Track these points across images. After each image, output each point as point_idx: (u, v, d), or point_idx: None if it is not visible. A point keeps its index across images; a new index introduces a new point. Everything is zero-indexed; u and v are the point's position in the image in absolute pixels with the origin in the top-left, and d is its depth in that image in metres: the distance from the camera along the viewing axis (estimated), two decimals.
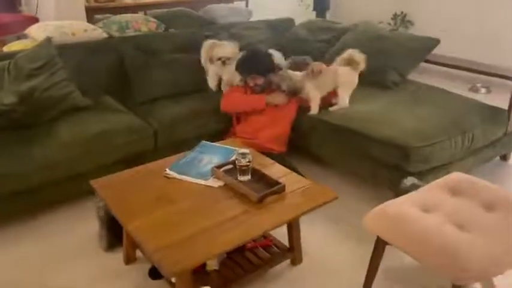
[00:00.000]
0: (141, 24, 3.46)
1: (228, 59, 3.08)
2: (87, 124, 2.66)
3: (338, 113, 2.81)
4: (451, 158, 2.55)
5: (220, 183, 2.02)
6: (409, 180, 2.27)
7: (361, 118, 2.68)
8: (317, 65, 2.89)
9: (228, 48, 3.13)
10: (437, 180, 1.92)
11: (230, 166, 2.13)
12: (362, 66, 2.91)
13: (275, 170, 2.14)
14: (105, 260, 2.21)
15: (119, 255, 2.20)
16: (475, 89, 4.56)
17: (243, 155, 2.01)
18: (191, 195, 1.95)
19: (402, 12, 5.00)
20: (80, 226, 2.45)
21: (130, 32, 3.43)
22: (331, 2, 5.44)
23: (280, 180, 1.97)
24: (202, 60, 3.21)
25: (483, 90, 4.56)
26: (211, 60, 3.15)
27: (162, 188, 2.00)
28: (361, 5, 4.14)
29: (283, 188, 1.94)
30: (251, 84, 2.89)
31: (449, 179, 1.91)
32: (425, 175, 2.47)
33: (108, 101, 3.02)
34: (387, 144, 2.46)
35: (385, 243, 1.70)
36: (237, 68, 2.95)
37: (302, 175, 2.25)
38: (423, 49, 3.22)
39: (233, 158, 2.19)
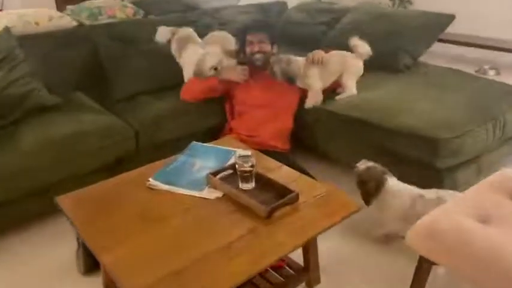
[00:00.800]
0: (116, 10, 3.04)
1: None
2: (56, 126, 2.25)
3: (346, 102, 2.44)
4: (483, 149, 2.20)
5: (218, 193, 1.64)
6: (363, 163, 2.00)
7: (374, 107, 2.32)
8: (317, 54, 2.50)
9: (218, 50, 2.67)
10: (484, 181, 1.57)
11: (229, 171, 1.75)
12: (366, 54, 2.55)
13: (283, 174, 1.77)
14: (83, 285, 1.84)
15: (99, 280, 1.81)
16: (482, 72, 4.22)
17: (245, 158, 1.63)
18: (182, 211, 1.57)
19: None
20: (56, 246, 2.07)
21: (103, 19, 3.01)
22: None
23: (292, 188, 1.59)
24: (189, 73, 2.66)
25: (492, 72, 4.22)
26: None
27: (145, 204, 1.62)
28: None
29: (296, 198, 1.57)
30: (256, 49, 2.55)
31: (499, 178, 1.56)
32: (455, 171, 2.13)
33: (81, 99, 2.61)
34: (410, 137, 2.10)
35: (432, 262, 1.35)
36: (242, 32, 2.66)
37: (313, 177, 1.88)
38: (436, 27, 2.86)
39: (232, 161, 1.82)
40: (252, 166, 1.62)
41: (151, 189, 1.70)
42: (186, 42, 2.71)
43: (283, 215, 1.51)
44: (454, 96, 2.38)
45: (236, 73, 2.53)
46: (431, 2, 4.38)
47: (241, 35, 2.66)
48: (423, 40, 2.86)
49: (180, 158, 1.90)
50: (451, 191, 1.85)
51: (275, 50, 2.64)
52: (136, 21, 3.13)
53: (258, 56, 2.54)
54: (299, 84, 2.48)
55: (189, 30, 2.80)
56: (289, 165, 1.88)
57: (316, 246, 1.69)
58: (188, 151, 1.94)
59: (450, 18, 2.84)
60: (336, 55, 2.55)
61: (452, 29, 2.90)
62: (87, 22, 2.95)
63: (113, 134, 2.29)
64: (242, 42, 2.64)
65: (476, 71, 4.21)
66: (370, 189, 1.94)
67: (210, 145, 2.01)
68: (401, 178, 2.20)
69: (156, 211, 1.57)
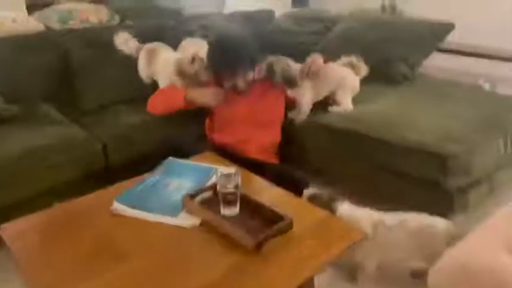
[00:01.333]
0: (89, 14, 2.77)
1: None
2: (12, 140, 1.98)
3: (342, 115, 2.20)
4: (494, 167, 1.98)
5: (196, 220, 1.37)
6: (308, 191, 1.68)
7: (374, 120, 2.08)
8: (315, 64, 2.21)
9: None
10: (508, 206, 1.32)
11: (209, 193, 1.48)
12: (363, 73, 2.34)
13: (273, 195, 1.51)
14: None
15: None
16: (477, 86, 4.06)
17: (227, 177, 1.36)
18: (151, 244, 1.28)
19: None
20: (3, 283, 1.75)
21: (75, 24, 2.74)
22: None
23: (284, 213, 1.32)
24: (165, 80, 2.31)
25: (487, 85, 4.06)
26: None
27: (105, 234, 1.33)
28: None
29: (289, 226, 1.30)
30: (242, 87, 2.11)
31: None
32: (466, 192, 1.89)
33: (44, 110, 2.33)
34: (415, 153, 1.86)
35: None
36: (217, 66, 2.11)
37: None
38: (436, 35, 2.66)
39: (213, 180, 1.55)
40: (236, 187, 1.35)
41: (115, 214, 1.41)
42: (156, 51, 2.40)
43: (275, 247, 1.24)
44: (459, 109, 2.16)
45: (208, 97, 2.13)
46: (424, 14, 4.22)
47: (216, 73, 2.14)
48: (421, 49, 2.65)
49: (152, 176, 1.62)
50: (413, 214, 1.63)
51: (258, 71, 2.20)
52: (111, 27, 2.87)
53: (243, 90, 2.13)
54: (289, 92, 2.23)
55: (157, 43, 2.47)
56: (279, 175, 1.62)
57: (313, 285, 1.41)
58: (162, 168, 1.67)
59: (450, 27, 2.65)
60: (333, 69, 2.30)
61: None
62: (56, 26, 2.68)
63: (76, 147, 2.01)
64: (217, 71, 2.13)
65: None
66: None
67: (188, 162, 1.73)
68: (404, 200, 1.96)
69: (118, 244, 1.28)
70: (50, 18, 2.69)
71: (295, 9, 3.63)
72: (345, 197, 1.66)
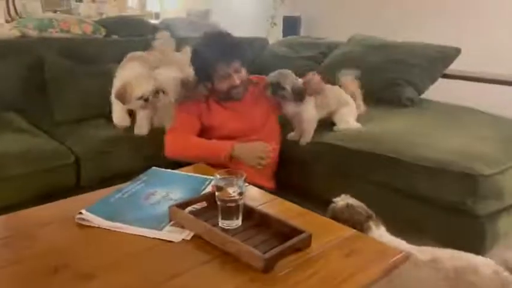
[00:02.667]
0: (71, 24, 2.55)
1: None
2: None
3: (351, 135, 1.96)
4: None
5: (186, 234, 1.07)
6: (342, 199, 1.40)
7: (389, 140, 1.85)
8: (315, 82, 1.99)
9: (171, 75, 2.00)
10: None
11: (202, 204, 1.19)
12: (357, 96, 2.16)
13: (283, 209, 1.22)
14: None
15: None
16: None
17: (228, 180, 1.08)
18: (127, 261, 0.98)
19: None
20: None
21: (55, 33, 2.51)
22: (302, 30, 4.79)
23: (300, 227, 1.04)
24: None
25: None
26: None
27: (68, 248, 1.02)
28: (337, 32, 3.50)
29: (308, 241, 1.02)
30: (236, 82, 1.84)
31: None
32: (496, 219, 1.64)
33: (10, 119, 2.05)
34: (439, 173, 1.62)
35: None
36: (202, 59, 1.85)
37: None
38: (442, 59, 2.51)
39: (208, 188, 1.27)
40: (240, 194, 1.07)
41: (82, 225, 1.10)
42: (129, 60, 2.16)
43: (290, 266, 0.95)
44: (478, 131, 1.96)
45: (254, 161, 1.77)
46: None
47: (205, 68, 1.86)
48: (428, 74, 2.49)
49: (132, 185, 1.32)
50: (451, 251, 1.30)
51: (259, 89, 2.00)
52: (94, 40, 2.65)
53: (237, 90, 1.89)
54: (290, 108, 1.99)
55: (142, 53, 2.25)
56: None
57: None
58: (144, 177, 1.37)
59: (456, 51, 2.52)
60: (333, 89, 2.11)
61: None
62: (33, 33, 2.44)
63: (43, 158, 1.71)
64: (207, 77, 1.89)
65: None
66: None
67: (177, 171, 1.45)
68: (424, 228, 1.70)
69: (83, 260, 0.97)
70: (28, 25, 2.45)
71: (289, 37, 3.49)
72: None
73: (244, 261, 0.95)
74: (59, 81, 2.24)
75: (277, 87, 1.92)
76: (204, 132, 1.91)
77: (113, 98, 2.00)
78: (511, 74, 2.64)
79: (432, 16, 3.82)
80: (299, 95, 1.93)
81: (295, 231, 1.02)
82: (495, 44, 3.44)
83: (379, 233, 1.30)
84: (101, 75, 2.30)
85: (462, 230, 1.60)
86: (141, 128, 2.01)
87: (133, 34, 2.83)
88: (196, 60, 1.90)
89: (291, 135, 2.07)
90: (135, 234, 1.07)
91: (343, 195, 1.41)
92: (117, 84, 1.99)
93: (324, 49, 2.96)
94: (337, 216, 1.35)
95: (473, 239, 1.57)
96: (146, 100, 1.89)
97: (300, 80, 1.99)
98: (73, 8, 5.66)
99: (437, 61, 2.52)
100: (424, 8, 3.90)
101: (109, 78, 2.23)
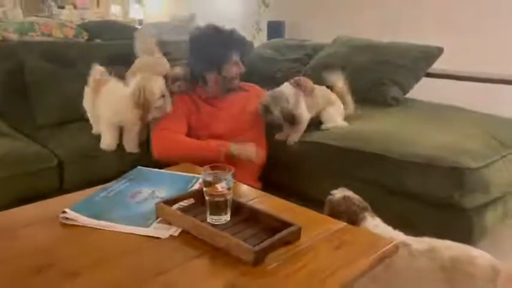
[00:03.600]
0: (52, 27, 2.52)
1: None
2: None
3: (339, 133, 1.96)
4: (508, 186, 1.76)
5: (173, 230, 1.04)
6: (340, 192, 1.41)
7: (376, 137, 1.85)
8: (306, 82, 2.03)
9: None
10: None
11: (190, 201, 1.17)
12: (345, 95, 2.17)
13: (272, 204, 1.21)
14: None
15: None
16: None
17: (217, 175, 1.06)
18: (112, 260, 0.95)
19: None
20: None
21: (35, 37, 2.47)
22: (286, 35, 4.82)
23: (289, 220, 1.03)
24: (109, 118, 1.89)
25: None
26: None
27: (51, 247, 0.99)
28: (321, 35, 3.52)
29: (297, 233, 1.00)
30: (240, 70, 1.92)
31: None
32: (483, 212, 1.65)
33: None
34: (426, 168, 1.63)
35: None
36: (211, 46, 1.88)
37: None
38: (426, 58, 2.54)
39: (195, 187, 1.25)
40: (228, 188, 1.06)
41: (67, 225, 1.07)
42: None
43: (280, 260, 0.94)
44: (463, 128, 1.98)
45: (252, 151, 1.84)
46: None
47: (218, 52, 1.90)
48: (412, 73, 2.51)
49: (117, 184, 1.29)
50: (448, 242, 1.29)
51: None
52: (76, 44, 2.61)
53: (236, 81, 1.98)
54: (287, 115, 1.99)
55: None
56: None
57: None
58: (129, 176, 1.35)
59: (439, 50, 2.55)
60: (321, 88, 2.12)
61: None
62: (13, 37, 2.39)
63: (25, 161, 1.67)
64: (214, 63, 1.92)
65: None
66: None
67: (162, 171, 1.43)
68: (413, 223, 1.70)
69: (67, 259, 0.94)
70: (8, 29, 2.41)
71: (274, 40, 3.50)
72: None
73: (234, 255, 0.93)
74: (40, 84, 2.20)
75: (266, 110, 1.93)
76: (190, 131, 1.89)
77: (105, 120, 1.87)
78: (493, 72, 2.68)
79: (413, 16, 3.89)
80: (289, 119, 1.94)
81: (284, 225, 1.01)
82: (477, 43, 3.51)
83: (375, 223, 1.30)
84: (83, 79, 2.26)
85: (450, 224, 1.61)
86: (134, 146, 1.92)
87: (116, 38, 2.80)
88: (202, 48, 1.91)
89: (279, 135, 2.06)
90: (121, 232, 1.04)
91: (340, 188, 1.41)
92: (114, 104, 1.85)
93: (309, 51, 2.97)
94: (334, 208, 1.35)
95: (461, 232, 1.57)
96: (163, 96, 1.81)
97: (289, 88, 2.00)
98: (55, 15, 5.59)
99: (421, 60, 2.54)
100: (404, 8, 3.96)
101: None
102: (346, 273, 0.91)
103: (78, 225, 1.07)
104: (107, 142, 1.87)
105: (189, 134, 1.87)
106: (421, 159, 1.65)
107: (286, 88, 2.00)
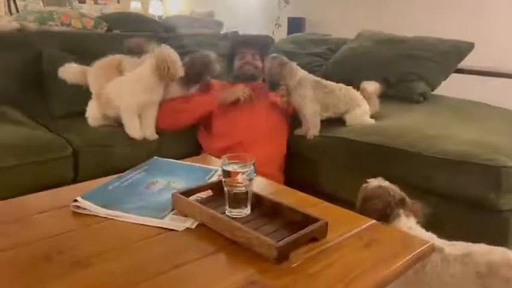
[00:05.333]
0: (72, 18, 2.48)
1: None
2: None
3: (364, 129, 1.87)
4: None
5: (190, 222, 0.98)
6: (377, 181, 1.32)
7: (404, 134, 1.75)
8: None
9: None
10: None
11: (208, 193, 1.10)
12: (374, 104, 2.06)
13: (295, 198, 1.13)
14: None
15: None
16: None
17: (237, 165, 0.99)
18: (125, 251, 0.89)
19: None
20: None
21: (55, 27, 2.44)
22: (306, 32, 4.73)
23: (315, 215, 0.95)
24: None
25: None
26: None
27: (61, 236, 0.93)
28: (342, 32, 3.42)
29: (324, 229, 0.92)
30: (248, 58, 2.20)
31: None
32: None
33: (7, 112, 1.95)
34: (459, 166, 1.53)
35: None
36: (234, 45, 2.34)
37: None
38: (456, 54, 2.43)
39: (213, 179, 1.18)
40: (250, 179, 0.98)
41: (78, 214, 1.01)
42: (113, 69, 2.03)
43: (305, 257, 0.86)
44: (496, 126, 1.88)
45: (240, 92, 2.00)
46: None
47: (232, 47, 2.31)
48: (441, 68, 2.40)
49: (132, 173, 1.23)
50: (486, 246, 1.19)
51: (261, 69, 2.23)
52: (95, 34, 2.58)
53: (247, 67, 2.16)
54: (292, 100, 1.93)
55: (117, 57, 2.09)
56: None
57: None
58: (145, 166, 1.29)
59: (470, 45, 2.43)
60: (342, 89, 2.01)
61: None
62: (33, 26, 2.37)
63: (38, 150, 1.62)
64: (231, 56, 2.27)
65: None
66: (371, 212, 1.22)
67: (180, 161, 1.36)
68: (443, 225, 1.60)
69: (77, 248, 0.88)
70: (27, 18, 2.38)
71: (295, 34, 3.42)
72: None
73: (255, 250, 0.86)
74: (55, 74, 2.16)
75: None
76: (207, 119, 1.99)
77: (129, 107, 1.85)
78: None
79: (436, 10, 3.76)
80: (270, 82, 1.99)
81: (309, 220, 0.93)
82: (508, 39, 3.36)
83: (409, 224, 1.21)
84: None
85: (484, 226, 1.50)
86: (153, 131, 1.92)
87: (135, 29, 2.76)
88: (229, 45, 2.36)
89: (298, 131, 1.99)
90: (134, 223, 0.98)
91: (379, 178, 1.32)
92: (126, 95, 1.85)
93: (331, 45, 2.88)
94: (367, 196, 1.27)
95: (497, 235, 1.47)
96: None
97: (301, 71, 1.98)
98: (75, 9, 5.61)
99: (451, 56, 2.43)
100: (425, 4, 3.84)
101: None
102: (377, 275, 0.82)
103: (90, 214, 1.01)
104: (137, 130, 1.87)
105: (208, 125, 1.87)
106: (451, 156, 1.55)
107: (295, 69, 1.97)
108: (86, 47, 2.38)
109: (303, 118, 1.96)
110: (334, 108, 1.96)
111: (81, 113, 2.04)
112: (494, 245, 1.22)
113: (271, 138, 1.88)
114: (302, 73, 1.97)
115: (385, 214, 1.22)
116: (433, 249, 0.92)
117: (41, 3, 5.01)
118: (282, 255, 0.83)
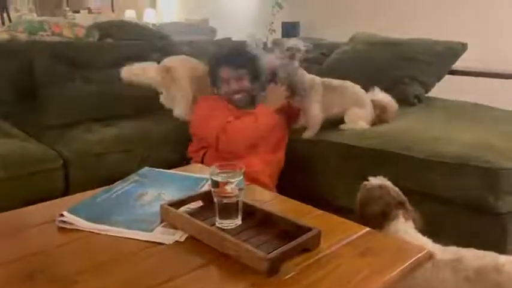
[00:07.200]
0: (63, 27, 2.46)
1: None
2: None
3: (358, 133, 1.84)
4: None
5: (179, 235, 0.95)
6: (377, 179, 1.31)
7: (400, 137, 1.73)
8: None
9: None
10: None
11: (198, 203, 1.07)
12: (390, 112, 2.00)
13: (289, 208, 1.10)
14: None
15: None
16: None
17: (227, 174, 0.97)
18: (112, 267, 0.86)
19: None
20: None
21: (46, 37, 2.42)
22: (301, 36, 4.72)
23: (307, 224, 0.92)
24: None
25: None
26: None
27: (46, 252, 0.90)
28: (337, 37, 3.41)
29: (317, 239, 0.90)
30: (234, 87, 1.86)
31: None
32: None
33: None
34: (457, 169, 1.50)
35: None
36: (213, 65, 1.94)
37: None
38: (449, 55, 2.41)
39: (204, 188, 1.15)
40: (240, 189, 0.96)
41: (64, 229, 0.99)
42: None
43: (297, 269, 0.83)
44: (491, 126, 1.85)
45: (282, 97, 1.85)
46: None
47: (212, 68, 1.95)
48: (434, 70, 2.38)
49: (122, 185, 1.20)
50: (476, 251, 1.17)
51: (259, 86, 1.94)
52: (88, 44, 2.55)
53: (237, 96, 1.89)
54: (296, 102, 1.90)
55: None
56: None
57: None
58: (135, 177, 1.26)
59: (463, 46, 2.41)
60: (351, 87, 1.98)
61: None
62: (23, 37, 2.35)
63: (28, 161, 1.60)
64: (214, 78, 1.95)
65: None
66: (370, 215, 1.22)
67: (170, 171, 1.33)
68: (440, 229, 1.57)
69: (63, 265, 0.85)
70: (18, 28, 2.36)
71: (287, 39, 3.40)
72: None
73: (245, 263, 0.83)
74: (49, 85, 2.13)
75: (272, 76, 1.89)
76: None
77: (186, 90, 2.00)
78: None
79: (428, 13, 3.75)
80: (292, 90, 1.87)
81: (302, 230, 0.91)
82: (499, 38, 3.35)
83: (405, 227, 1.18)
84: (94, 80, 2.22)
85: (482, 229, 1.48)
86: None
87: (128, 38, 2.73)
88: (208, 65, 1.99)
89: (295, 124, 1.97)
90: (122, 237, 0.95)
91: (379, 177, 1.30)
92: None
93: (324, 50, 2.86)
94: (368, 195, 1.26)
95: (495, 238, 1.45)
96: None
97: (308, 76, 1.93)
98: (68, 19, 5.60)
99: (444, 57, 2.41)
100: (419, 6, 3.83)
101: (104, 81, 2.17)
102: (373, 285, 0.79)
103: (76, 229, 0.98)
104: (182, 109, 2.00)
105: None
106: (448, 159, 1.53)
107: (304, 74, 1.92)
108: (77, 57, 2.35)
109: (306, 117, 1.93)
110: (336, 106, 1.92)
111: (72, 124, 2.02)
112: (492, 249, 1.20)
113: (275, 147, 1.84)
114: (309, 76, 1.94)
115: (384, 214, 1.20)
116: (430, 256, 0.89)
117: (35, 14, 4.99)
118: (273, 268, 0.80)
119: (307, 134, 1.90)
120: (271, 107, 1.82)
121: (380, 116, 1.97)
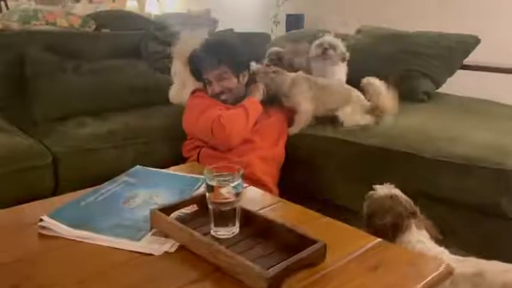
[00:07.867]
0: (57, 16, 2.37)
1: None
2: None
3: (360, 130, 1.75)
4: None
5: (169, 245, 0.86)
6: (385, 188, 1.21)
7: (407, 136, 1.63)
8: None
9: None
10: None
11: (192, 208, 0.98)
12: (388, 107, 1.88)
13: (290, 212, 1.01)
14: None
15: None
16: None
17: (222, 178, 0.87)
18: (94, 281, 0.77)
19: None
20: None
21: (40, 26, 2.32)
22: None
23: (312, 235, 0.83)
24: None
25: None
26: None
27: (25, 261, 0.81)
28: (344, 28, 3.31)
29: (322, 253, 0.80)
30: (216, 90, 1.77)
31: None
32: None
33: None
34: (467, 170, 1.41)
35: None
36: (193, 62, 1.86)
37: None
38: (461, 49, 2.30)
39: (201, 190, 1.06)
40: (237, 194, 0.87)
41: (43, 235, 0.90)
42: None
43: (300, 286, 0.74)
44: (503, 125, 1.75)
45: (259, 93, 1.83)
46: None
47: (193, 69, 1.87)
48: (446, 65, 2.28)
49: (110, 186, 1.11)
50: (501, 264, 1.07)
51: (245, 78, 1.85)
52: (83, 33, 2.46)
53: (223, 97, 1.79)
54: (285, 102, 1.83)
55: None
56: None
57: None
58: (126, 177, 1.17)
59: (475, 40, 2.30)
60: (334, 85, 1.92)
61: None
62: (15, 26, 2.25)
63: (15, 157, 1.51)
64: (198, 79, 1.87)
65: None
66: (380, 227, 1.13)
67: (164, 171, 1.24)
68: (450, 234, 1.48)
69: (42, 278, 0.77)
70: (10, 18, 2.27)
71: (292, 31, 3.30)
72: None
73: (242, 279, 0.74)
74: (41, 77, 2.03)
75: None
76: None
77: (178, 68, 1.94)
78: None
79: (436, 6, 3.63)
80: (269, 98, 1.86)
81: (306, 241, 0.81)
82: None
83: (419, 237, 1.09)
84: (87, 71, 2.12)
85: (494, 235, 1.39)
86: None
87: (125, 28, 2.63)
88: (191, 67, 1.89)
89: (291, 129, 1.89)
90: (106, 246, 0.86)
91: (386, 184, 1.20)
92: None
93: None
94: (376, 206, 1.15)
95: (508, 245, 1.35)
96: None
97: (291, 74, 1.89)
98: (67, 8, 5.48)
99: (456, 51, 2.30)
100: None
101: (98, 73, 2.08)
102: None
103: (57, 236, 0.89)
104: (171, 90, 1.98)
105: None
106: (458, 159, 1.44)
107: (285, 74, 1.88)
108: (71, 47, 2.25)
109: (296, 113, 1.86)
110: (324, 104, 1.86)
111: (65, 118, 1.93)
112: (505, 256, 1.10)
113: (274, 146, 1.76)
114: (292, 74, 1.89)
115: (395, 226, 1.11)
116: (450, 272, 0.79)
117: (33, 3, 4.88)
118: (273, 287, 0.71)
119: (292, 131, 1.83)
120: (256, 97, 1.79)
121: (377, 104, 1.87)
